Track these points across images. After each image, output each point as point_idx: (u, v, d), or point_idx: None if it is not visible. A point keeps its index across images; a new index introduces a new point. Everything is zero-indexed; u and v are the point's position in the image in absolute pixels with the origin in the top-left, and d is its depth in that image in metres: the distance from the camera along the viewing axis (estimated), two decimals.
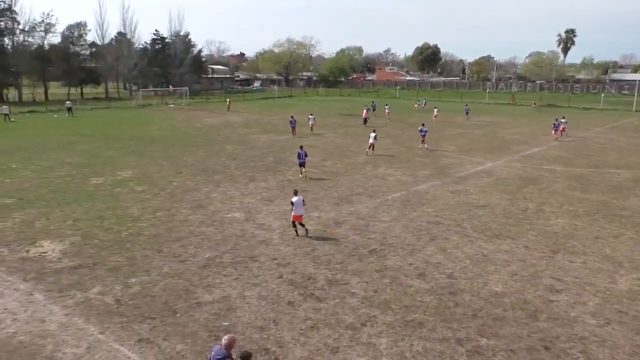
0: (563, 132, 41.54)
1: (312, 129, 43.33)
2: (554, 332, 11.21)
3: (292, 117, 42.95)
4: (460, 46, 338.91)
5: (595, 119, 57.90)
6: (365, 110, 50.53)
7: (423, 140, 35.40)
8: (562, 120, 42.41)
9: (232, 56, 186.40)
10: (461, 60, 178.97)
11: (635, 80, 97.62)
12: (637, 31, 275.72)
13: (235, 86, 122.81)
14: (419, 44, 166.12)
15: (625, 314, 12.08)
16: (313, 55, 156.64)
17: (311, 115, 44.83)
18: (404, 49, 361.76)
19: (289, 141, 38.18)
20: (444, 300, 12.67)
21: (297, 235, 17.19)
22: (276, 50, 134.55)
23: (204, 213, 19.70)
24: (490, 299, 12.80)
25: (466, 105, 60.27)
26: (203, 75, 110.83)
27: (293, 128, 41.22)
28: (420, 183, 25.19)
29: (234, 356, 7.85)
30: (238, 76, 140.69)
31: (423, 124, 37.02)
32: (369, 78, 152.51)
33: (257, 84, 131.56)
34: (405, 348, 10.55)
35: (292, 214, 17.15)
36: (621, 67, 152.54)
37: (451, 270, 14.56)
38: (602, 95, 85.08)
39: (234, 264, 14.80)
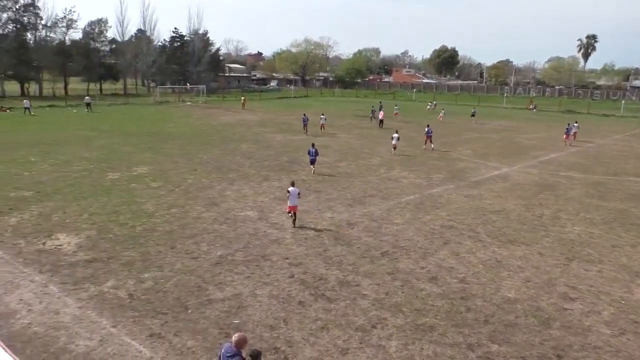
0: (575, 137, 41.43)
1: (322, 128, 43.85)
2: (567, 341, 11.07)
3: (304, 115, 44.46)
4: (479, 50, 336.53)
5: (614, 126, 57.06)
6: (382, 112, 50.35)
7: (428, 141, 36.10)
8: (575, 124, 42.24)
9: (250, 55, 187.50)
10: (479, 63, 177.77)
11: None
12: None
13: (252, 85, 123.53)
14: (437, 47, 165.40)
15: None
16: (330, 56, 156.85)
17: (322, 115, 45.29)
18: (422, 52, 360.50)
19: (304, 141, 38.21)
20: (456, 305, 12.58)
21: (294, 227, 17.97)
22: (293, 50, 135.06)
23: (217, 211, 19.82)
24: (503, 305, 12.68)
25: (473, 109, 60.25)
26: (220, 74, 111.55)
27: (305, 125, 43.24)
28: (434, 186, 25.06)
29: (243, 354, 7.87)
30: (255, 75, 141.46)
31: (428, 125, 37.49)
32: (386, 80, 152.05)
33: (273, 83, 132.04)
34: (415, 352, 10.50)
35: (288, 203, 18.07)
36: None
37: (463, 275, 14.45)
38: (623, 102, 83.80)
39: (246, 262, 14.86)
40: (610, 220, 20.10)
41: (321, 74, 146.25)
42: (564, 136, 41.17)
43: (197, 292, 12.87)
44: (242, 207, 20.42)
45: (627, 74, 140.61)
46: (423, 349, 10.60)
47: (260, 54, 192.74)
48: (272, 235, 17.23)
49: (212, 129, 45.09)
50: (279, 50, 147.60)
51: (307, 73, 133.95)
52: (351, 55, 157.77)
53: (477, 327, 11.53)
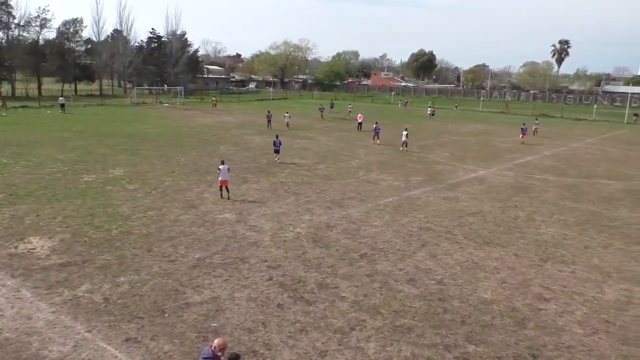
0: (536, 133, 44.69)
1: (287, 125, 47.11)
2: (542, 341, 11.27)
3: (268, 111, 49.20)
4: (456, 54, 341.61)
5: (587, 130, 58.37)
6: (361, 115, 50.54)
7: (375, 137, 39.82)
8: (536, 122, 45.56)
9: (228, 57, 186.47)
10: (456, 67, 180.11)
11: (628, 93, 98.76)
12: (631, 44, 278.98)
13: (231, 87, 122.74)
14: (415, 50, 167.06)
15: (612, 324, 12.17)
16: (309, 59, 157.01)
17: (287, 113, 49.23)
18: (400, 55, 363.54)
19: (284, 144, 38.23)
20: (433, 306, 12.71)
21: (222, 197, 21.60)
22: (272, 52, 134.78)
23: (195, 213, 19.65)
24: (479, 306, 12.85)
25: (431, 105, 68.89)
26: (198, 75, 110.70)
27: (269, 121, 47.52)
28: (412, 189, 25.27)
29: (222, 359, 7.82)
30: (234, 77, 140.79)
31: (377, 122, 40.94)
32: (364, 83, 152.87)
33: (252, 85, 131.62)
34: (393, 353, 10.56)
35: (219, 179, 21.61)
36: (614, 79, 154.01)
37: (441, 276, 14.60)
38: (595, 106, 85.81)
39: (224, 265, 14.76)
40: (583, 221, 20.55)
41: (300, 76, 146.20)
42: (521, 135, 43.86)
43: (175, 295, 12.74)
44: (220, 210, 20.28)
45: (598, 79, 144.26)
46: (401, 350, 10.68)
47: (239, 55, 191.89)
48: (250, 238, 17.15)
49: (190, 130, 44.68)
50: (258, 52, 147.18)
51: (286, 75, 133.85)
52: (330, 58, 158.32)
53: (454, 328, 11.66)
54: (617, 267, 15.81)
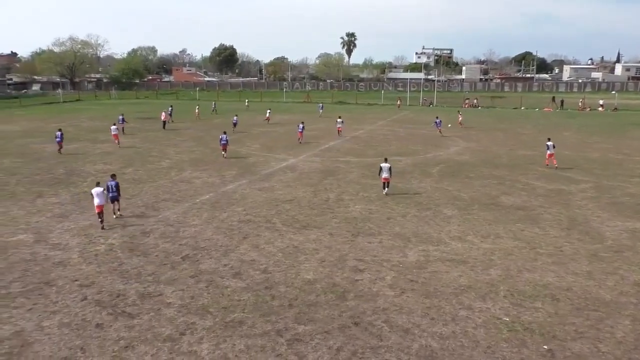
0: (340, 132, 42.66)
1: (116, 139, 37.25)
2: (361, 309, 12.32)
3: (59, 130, 34.71)
4: (256, 47, 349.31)
5: (378, 114, 64.93)
6: (163, 114, 48.83)
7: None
8: (339, 120, 43.32)
9: (1, 56, 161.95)
10: (257, 61, 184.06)
11: (407, 78, 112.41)
12: (406, 36, 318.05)
13: (8, 90, 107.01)
14: (216, 45, 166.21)
15: (416, 282, 13.86)
16: (102, 56, 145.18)
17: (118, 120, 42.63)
18: (201, 50, 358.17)
19: (82, 148, 34.88)
20: (261, 296, 12.96)
21: (103, 228, 17.92)
22: (56, 49, 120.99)
23: None
24: (304, 287, 13.49)
25: (213, 103, 66.36)
26: None
27: (59, 143, 33.65)
28: (228, 183, 25.27)
29: None
30: (11, 79, 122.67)
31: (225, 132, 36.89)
32: (166, 79, 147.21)
33: (36, 87, 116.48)
34: (227, 349, 10.52)
35: (95, 204, 17.95)
36: (395, 67, 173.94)
37: (265, 265, 14.95)
38: (382, 92, 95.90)
39: (25, 293, 12.97)
40: (382, 196, 22.89)
41: (93, 75, 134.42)
42: (438, 129, 43.07)
43: None
44: (12, 231, 17.71)
45: (383, 68, 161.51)
46: (235, 344, 10.69)
47: (14, 54, 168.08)
48: (54, 258, 15.34)
49: None
50: (39, 50, 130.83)
51: (77, 75, 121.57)
52: (126, 55, 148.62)
53: (283, 313, 12.06)
54: (415, 232, 18.01)
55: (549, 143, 29.51)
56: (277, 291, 13.22)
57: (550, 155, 29.28)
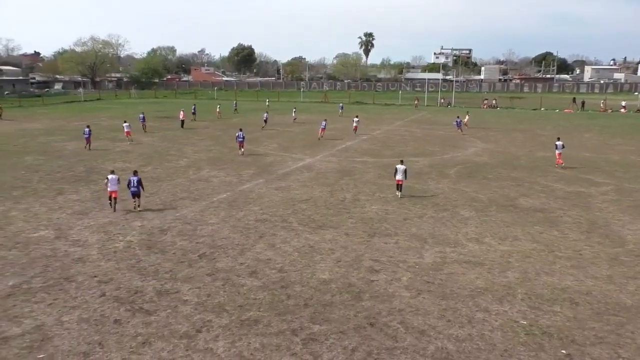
0: (355, 130, 43.50)
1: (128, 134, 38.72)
2: (377, 309, 12.28)
3: (87, 126, 35.92)
4: (274, 47, 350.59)
5: (395, 114, 64.69)
6: (182, 112, 49.18)
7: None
8: (355, 119, 44.16)
9: (25, 55, 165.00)
10: (275, 61, 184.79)
11: (425, 79, 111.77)
12: (424, 37, 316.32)
13: (31, 89, 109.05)
14: (234, 45, 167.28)
15: (432, 283, 13.78)
16: (122, 55, 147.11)
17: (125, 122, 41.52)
18: (219, 50, 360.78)
19: (102, 146, 35.37)
20: (277, 295, 13.01)
21: (114, 211, 19.79)
22: (78, 49, 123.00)
23: (3, 235, 17.19)
24: (319, 286, 13.50)
25: (234, 102, 67.08)
26: None
27: (87, 139, 34.78)
28: (245, 182, 25.40)
29: None
30: (34, 78, 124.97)
31: (241, 129, 36.65)
32: (185, 79, 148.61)
33: (58, 86, 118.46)
34: (243, 348, 10.58)
35: (108, 189, 20.00)
36: (413, 67, 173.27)
37: (281, 264, 15.00)
38: (400, 92, 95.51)
39: (46, 288, 13.21)
40: (399, 197, 22.78)
41: (114, 74, 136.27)
42: (458, 129, 44.49)
43: None
44: (34, 228, 18.05)
45: (401, 68, 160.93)
46: (250, 343, 10.74)
47: (38, 54, 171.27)
48: (74, 254, 15.59)
49: None
50: (61, 50, 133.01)
51: (98, 74, 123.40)
52: (145, 54, 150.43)
53: (298, 312, 12.09)
54: (432, 233, 17.91)
55: (558, 143, 29.94)
56: (292, 290, 13.26)
57: (559, 154, 29.63)
